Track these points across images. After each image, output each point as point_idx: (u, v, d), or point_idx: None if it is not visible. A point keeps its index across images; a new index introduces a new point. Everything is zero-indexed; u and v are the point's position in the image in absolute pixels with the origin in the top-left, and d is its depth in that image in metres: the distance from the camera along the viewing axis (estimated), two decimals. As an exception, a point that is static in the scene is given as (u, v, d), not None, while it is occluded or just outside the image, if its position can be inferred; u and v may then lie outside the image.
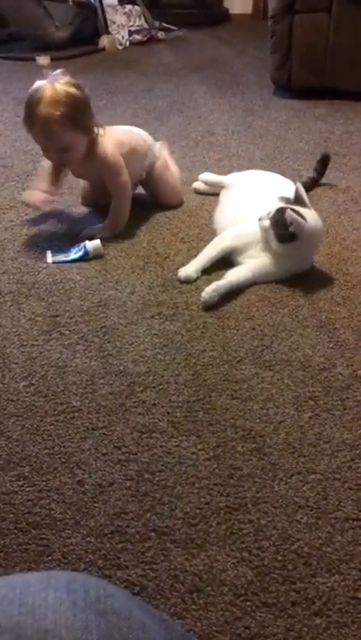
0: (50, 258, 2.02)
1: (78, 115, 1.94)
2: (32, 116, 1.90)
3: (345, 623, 1.09)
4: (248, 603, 1.12)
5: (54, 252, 2.04)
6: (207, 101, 3.55)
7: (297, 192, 1.95)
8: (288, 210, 1.88)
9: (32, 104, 1.89)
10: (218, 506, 1.28)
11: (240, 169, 2.50)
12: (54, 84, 1.92)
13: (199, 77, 3.97)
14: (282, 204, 1.93)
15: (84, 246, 2.03)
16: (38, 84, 1.93)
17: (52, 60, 4.28)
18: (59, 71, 1.96)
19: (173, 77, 3.98)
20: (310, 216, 1.92)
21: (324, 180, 2.61)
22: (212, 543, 1.21)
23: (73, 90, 1.94)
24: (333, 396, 1.56)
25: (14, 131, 3.06)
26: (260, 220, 1.94)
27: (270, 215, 1.91)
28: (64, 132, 1.94)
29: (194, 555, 1.19)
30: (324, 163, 2.51)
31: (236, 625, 1.09)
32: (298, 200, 2.14)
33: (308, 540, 1.22)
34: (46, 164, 2.17)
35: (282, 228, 1.89)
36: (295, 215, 1.87)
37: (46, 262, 2.02)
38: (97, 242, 2.05)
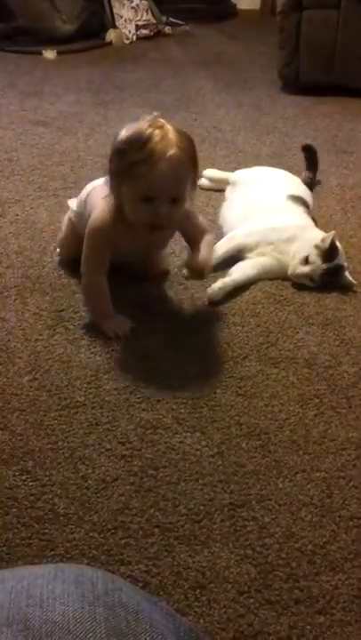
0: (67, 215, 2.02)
1: (197, 163, 1.64)
2: (153, 154, 1.52)
3: (348, 622, 1.09)
4: (251, 600, 1.12)
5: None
6: (214, 97, 3.53)
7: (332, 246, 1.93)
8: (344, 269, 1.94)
9: (152, 140, 1.53)
10: (222, 502, 1.28)
11: (247, 165, 2.49)
12: (168, 125, 1.58)
13: (206, 73, 3.95)
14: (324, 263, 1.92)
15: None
16: (147, 123, 1.57)
17: (58, 53, 4.27)
18: (156, 114, 1.63)
19: (180, 72, 3.96)
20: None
21: (330, 178, 2.60)
22: (215, 540, 1.21)
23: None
24: (339, 393, 1.55)
25: (20, 124, 3.05)
26: (298, 266, 1.93)
27: (321, 270, 1.91)
28: (186, 179, 1.61)
29: (197, 551, 1.19)
30: (310, 154, 2.48)
31: (240, 622, 1.08)
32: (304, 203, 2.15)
33: (313, 538, 1.22)
34: (98, 282, 1.73)
35: (333, 277, 1.93)
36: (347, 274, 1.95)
37: (52, 255, 2.01)
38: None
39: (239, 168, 2.45)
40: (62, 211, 2.26)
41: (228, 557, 1.18)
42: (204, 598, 1.12)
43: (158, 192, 1.57)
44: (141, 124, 1.57)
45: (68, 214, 1.95)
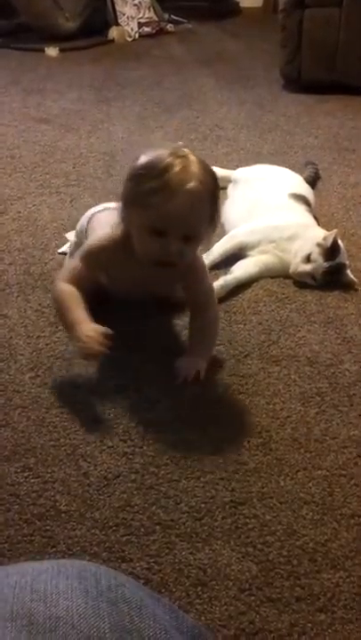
0: (64, 248, 2.01)
1: (218, 200, 1.51)
2: (170, 185, 1.39)
3: (350, 619, 1.09)
4: (252, 597, 1.12)
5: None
6: (216, 95, 3.53)
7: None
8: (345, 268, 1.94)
9: (171, 170, 1.39)
10: (223, 500, 1.28)
11: (248, 163, 2.49)
12: (191, 155, 1.44)
13: (208, 71, 3.95)
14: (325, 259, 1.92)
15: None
16: (169, 150, 1.44)
17: (61, 51, 4.27)
18: (180, 143, 1.53)
19: (182, 70, 3.96)
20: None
21: (332, 176, 2.60)
22: (216, 537, 1.21)
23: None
24: (340, 392, 1.55)
25: (23, 121, 3.05)
26: (300, 264, 1.93)
27: (323, 268, 1.90)
28: (204, 216, 1.46)
29: (198, 548, 1.19)
30: (312, 171, 2.51)
31: (241, 619, 1.09)
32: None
33: (314, 535, 1.22)
34: (69, 290, 1.53)
35: (334, 275, 1.93)
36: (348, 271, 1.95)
37: (56, 251, 2.01)
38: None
39: (241, 166, 2.45)
40: (64, 208, 2.27)
41: (230, 555, 1.18)
42: (205, 595, 1.12)
43: (171, 227, 1.43)
44: (162, 152, 1.43)
45: (68, 250, 1.85)
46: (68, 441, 1.39)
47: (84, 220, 1.80)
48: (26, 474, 1.31)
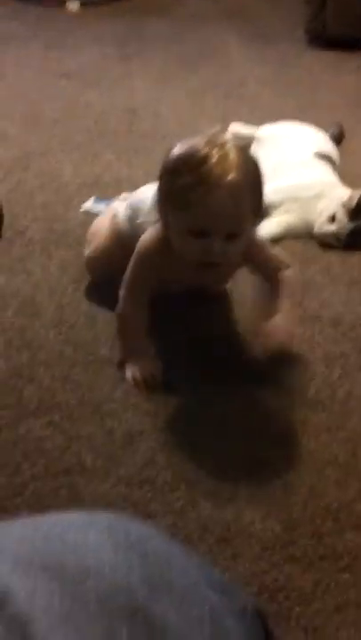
0: (86, 205, 1.99)
1: (262, 191, 1.38)
2: (209, 178, 1.26)
3: (373, 579, 1.10)
4: (276, 556, 1.13)
5: (92, 201, 2.00)
6: (238, 51, 3.46)
7: None
8: None
9: (209, 161, 1.26)
10: (247, 460, 1.29)
11: (272, 120, 2.44)
12: (229, 143, 1.32)
13: (231, 26, 3.86)
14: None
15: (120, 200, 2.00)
16: (205, 139, 1.31)
17: (81, 5, 4.18)
18: (217, 128, 1.46)
19: (204, 26, 3.87)
20: None
21: (358, 135, 2.55)
22: (240, 496, 1.22)
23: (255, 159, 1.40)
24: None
25: (43, 77, 3.01)
26: (324, 224, 1.90)
27: (348, 229, 1.87)
28: (247, 210, 1.33)
29: (222, 506, 1.20)
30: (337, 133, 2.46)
31: (264, 577, 1.10)
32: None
33: (337, 496, 1.23)
34: (133, 314, 1.47)
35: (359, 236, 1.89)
36: None
37: (79, 209, 1.99)
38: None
39: (265, 124, 2.41)
40: (87, 165, 2.25)
41: (253, 513, 1.19)
42: (228, 552, 1.13)
43: (212, 226, 1.29)
44: (198, 141, 1.30)
45: (113, 220, 1.62)
46: (93, 398, 1.40)
47: (142, 196, 1.56)
48: (51, 429, 1.32)
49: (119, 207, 1.63)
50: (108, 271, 1.58)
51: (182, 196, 1.28)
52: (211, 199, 1.27)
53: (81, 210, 1.99)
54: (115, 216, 1.62)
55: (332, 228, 1.89)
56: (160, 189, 1.36)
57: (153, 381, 1.42)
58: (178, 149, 1.32)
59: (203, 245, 1.30)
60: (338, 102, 2.87)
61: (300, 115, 2.66)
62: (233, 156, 1.28)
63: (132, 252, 1.45)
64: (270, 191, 1.98)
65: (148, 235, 1.43)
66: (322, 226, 1.91)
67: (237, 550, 1.13)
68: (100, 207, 1.99)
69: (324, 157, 2.12)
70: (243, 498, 1.22)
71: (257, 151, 2.23)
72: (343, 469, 1.28)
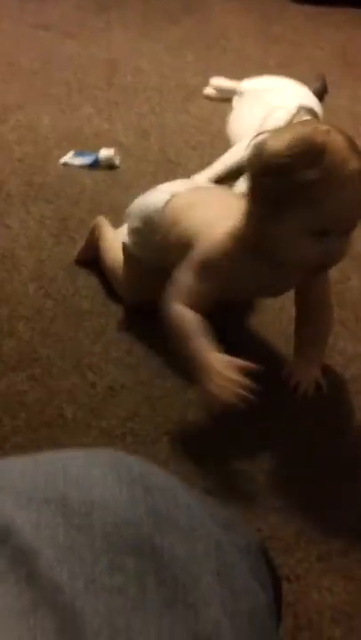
0: (65, 158, 1.95)
1: None
2: (333, 171, 1.09)
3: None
4: (260, 507, 1.13)
5: (71, 155, 1.97)
6: (220, 3, 3.39)
7: None
8: None
9: (328, 151, 1.09)
10: (232, 413, 1.28)
11: (255, 74, 2.40)
12: (332, 129, 1.14)
13: (212, -21, 3.79)
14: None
15: (97, 154, 1.97)
16: (309, 125, 1.20)
17: None
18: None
19: (185, -22, 3.80)
20: None
21: (340, 90, 2.52)
22: (224, 447, 1.22)
23: None
24: (347, 309, 1.54)
25: (20, 27, 2.92)
26: None
27: None
28: None
29: (207, 460, 1.20)
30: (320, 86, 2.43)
31: (250, 526, 1.10)
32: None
33: (323, 450, 1.23)
34: (189, 315, 1.21)
35: None
36: None
37: (57, 162, 1.95)
38: (111, 151, 1.98)
39: (247, 77, 2.37)
40: (66, 118, 2.20)
41: (237, 464, 1.19)
42: (214, 502, 1.13)
43: (337, 222, 1.13)
44: (303, 129, 1.14)
45: (125, 250, 1.46)
46: (74, 352, 1.38)
47: (146, 209, 1.38)
48: (32, 383, 1.31)
49: (122, 235, 1.46)
50: (144, 293, 1.40)
51: (304, 194, 1.10)
52: (343, 193, 1.10)
53: (60, 162, 1.95)
54: (125, 245, 1.45)
55: None
56: (262, 193, 1.14)
57: (238, 384, 1.12)
58: (275, 142, 1.11)
59: (325, 245, 1.13)
60: (320, 57, 2.83)
61: (283, 68, 2.62)
62: (341, 140, 1.11)
63: (154, 270, 1.33)
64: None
65: (212, 242, 1.21)
66: None
67: (221, 501, 1.13)
68: (80, 161, 1.97)
69: (309, 112, 2.09)
70: (227, 449, 1.21)
71: (240, 105, 2.21)
72: (328, 425, 1.28)
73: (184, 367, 1.22)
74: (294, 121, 2.00)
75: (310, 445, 1.24)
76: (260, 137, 1.15)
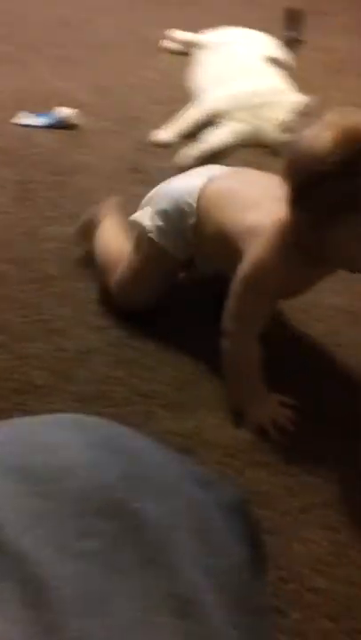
0: (19, 118, 1.88)
1: None
2: None
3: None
4: (238, 462, 1.10)
5: (26, 115, 1.90)
6: None
7: None
8: None
9: None
10: (206, 370, 1.24)
11: (219, 27, 2.33)
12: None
13: None
14: None
15: (56, 114, 1.90)
16: (349, 123, 1.03)
17: None
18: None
19: None
20: None
21: (312, 40, 2.45)
22: (201, 405, 1.19)
23: None
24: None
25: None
26: (276, 132, 1.83)
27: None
28: None
29: (183, 418, 1.16)
30: (294, 19, 2.36)
31: (230, 482, 1.06)
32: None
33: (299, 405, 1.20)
34: (250, 352, 1.20)
35: None
36: None
37: (13, 123, 1.88)
38: (69, 110, 1.91)
39: (211, 30, 2.30)
40: (15, 76, 2.11)
41: (214, 423, 1.16)
42: (191, 461, 1.09)
43: None
44: (346, 121, 1.03)
45: (139, 236, 1.32)
46: (40, 317, 1.33)
47: (177, 193, 1.28)
48: (-2, 350, 1.25)
49: (142, 219, 1.31)
50: (148, 294, 1.32)
51: None
52: None
53: (13, 121, 1.88)
54: (139, 232, 1.32)
55: (285, 135, 1.82)
56: (316, 202, 1.04)
57: (290, 426, 1.16)
58: (322, 143, 1.00)
59: None
60: (285, 5, 2.74)
61: (246, 19, 2.54)
62: None
63: (171, 265, 1.29)
64: (219, 98, 1.91)
65: (262, 251, 1.12)
66: (273, 134, 1.84)
67: (200, 459, 1.10)
68: (32, 121, 1.90)
69: (275, 62, 2.04)
70: (204, 407, 1.18)
71: (203, 58, 2.14)
72: (309, 376, 1.25)
73: (231, 389, 1.21)
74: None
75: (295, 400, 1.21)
76: (290, 146, 1.09)
